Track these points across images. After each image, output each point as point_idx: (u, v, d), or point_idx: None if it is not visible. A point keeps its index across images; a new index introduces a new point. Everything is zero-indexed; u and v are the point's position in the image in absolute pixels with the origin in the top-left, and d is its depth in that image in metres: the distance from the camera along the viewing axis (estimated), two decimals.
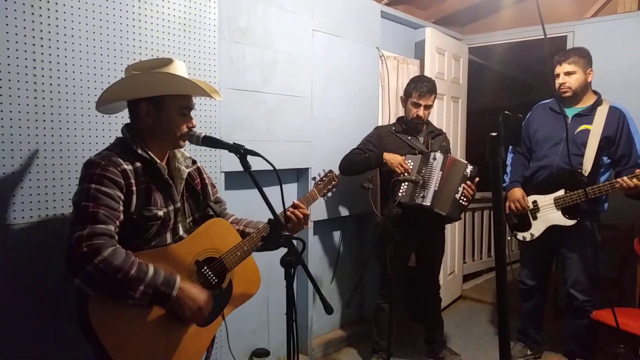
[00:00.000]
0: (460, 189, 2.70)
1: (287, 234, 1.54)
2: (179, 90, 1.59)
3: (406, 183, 2.69)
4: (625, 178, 2.51)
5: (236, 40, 2.54)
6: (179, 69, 1.59)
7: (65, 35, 1.85)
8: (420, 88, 2.83)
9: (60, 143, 1.85)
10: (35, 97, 1.78)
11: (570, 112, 2.79)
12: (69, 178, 1.87)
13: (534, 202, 2.85)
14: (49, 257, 1.79)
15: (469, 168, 2.73)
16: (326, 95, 3.11)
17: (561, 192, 2.73)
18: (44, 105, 1.80)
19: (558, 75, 2.73)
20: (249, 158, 1.59)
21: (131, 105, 1.61)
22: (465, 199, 2.71)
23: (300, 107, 2.93)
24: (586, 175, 2.66)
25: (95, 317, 1.36)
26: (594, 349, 2.89)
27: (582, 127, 2.72)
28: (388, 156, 2.79)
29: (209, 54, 2.38)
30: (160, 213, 1.56)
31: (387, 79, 3.61)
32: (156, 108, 1.57)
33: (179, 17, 2.24)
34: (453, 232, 4.19)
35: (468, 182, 2.71)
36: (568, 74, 2.71)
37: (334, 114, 3.18)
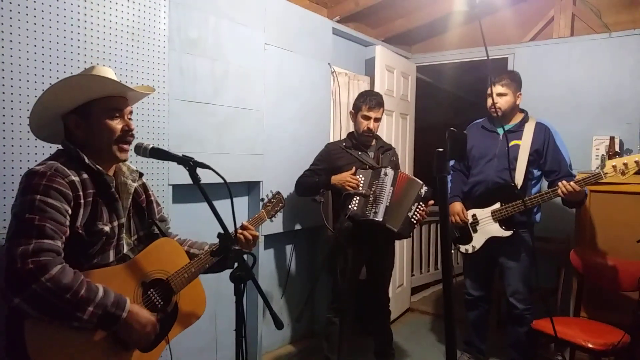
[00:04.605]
0: (414, 207, 2.74)
1: (237, 247, 1.51)
2: (96, 91, 1.48)
3: (357, 197, 2.72)
4: (564, 182, 2.60)
5: (187, 51, 2.50)
6: (102, 72, 1.50)
7: (2, 40, 1.76)
8: (370, 101, 2.89)
9: None
10: None
11: (501, 130, 2.94)
12: (4, 190, 1.76)
13: (474, 215, 2.96)
14: None
15: (424, 189, 2.78)
16: (278, 108, 3.11)
17: (497, 205, 2.85)
18: None
19: (490, 95, 2.86)
20: (199, 171, 1.56)
21: (64, 122, 1.51)
22: (416, 219, 2.76)
23: (252, 120, 2.92)
24: (519, 187, 2.80)
25: (32, 343, 1.26)
26: (534, 356, 3.01)
27: (513, 142, 2.87)
28: (335, 179, 2.80)
29: (158, 64, 2.33)
30: (107, 228, 1.49)
31: (338, 94, 3.66)
32: (82, 117, 1.48)
33: (128, 25, 2.19)
34: (402, 246, 4.27)
35: (422, 203, 2.76)
36: (500, 95, 2.86)
37: (286, 127, 3.18)
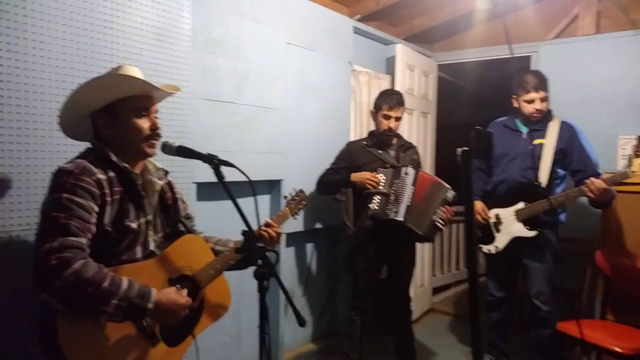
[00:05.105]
0: (439, 211, 2.73)
1: (261, 245, 1.53)
2: (124, 90, 1.51)
3: (378, 196, 2.72)
4: (591, 179, 2.55)
5: (210, 50, 2.53)
6: (129, 72, 1.53)
7: (34, 41, 1.80)
8: (390, 100, 2.88)
9: (27, 151, 1.79)
10: (2, 104, 1.72)
11: (524, 128, 2.89)
12: (36, 187, 1.81)
13: (497, 215, 2.92)
14: (14, 270, 1.72)
15: (450, 193, 2.77)
16: (299, 107, 3.12)
17: (521, 205, 2.81)
18: (9, 112, 1.74)
19: (533, 101, 2.79)
20: (222, 169, 1.57)
21: (92, 121, 1.55)
22: (441, 222, 2.74)
23: (274, 119, 2.94)
24: (543, 187, 2.75)
25: (64, 336, 1.29)
26: (559, 359, 2.96)
27: (537, 141, 2.82)
28: (355, 177, 2.81)
29: (182, 64, 2.36)
30: (134, 225, 1.51)
31: (359, 93, 3.66)
32: (111, 116, 1.51)
33: (152, 26, 2.22)
34: (422, 246, 4.22)
35: (447, 207, 2.75)
36: (543, 100, 2.80)
37: (307, 126, 3.19)
